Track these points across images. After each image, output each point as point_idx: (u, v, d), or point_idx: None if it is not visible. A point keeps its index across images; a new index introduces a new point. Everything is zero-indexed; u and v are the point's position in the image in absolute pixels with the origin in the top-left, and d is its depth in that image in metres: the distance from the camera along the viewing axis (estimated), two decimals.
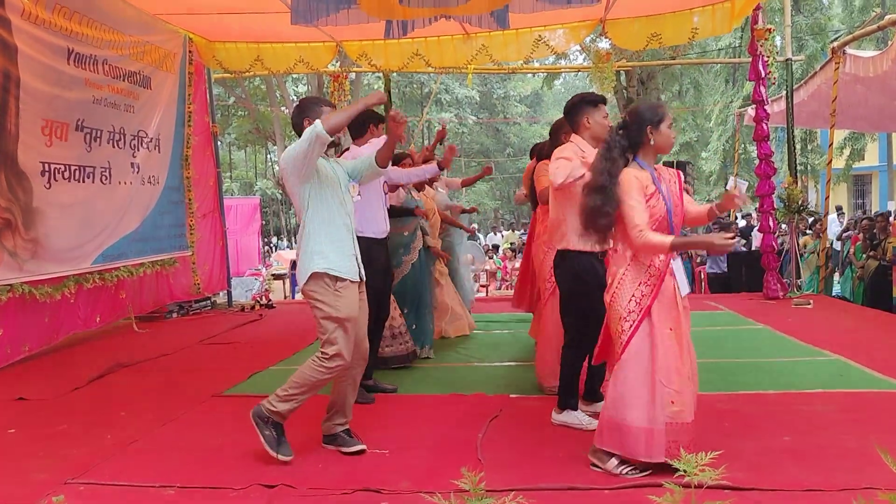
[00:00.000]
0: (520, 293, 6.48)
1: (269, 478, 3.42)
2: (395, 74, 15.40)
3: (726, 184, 17.64)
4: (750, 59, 9.17)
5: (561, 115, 4.61)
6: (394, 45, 9.37)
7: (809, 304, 8.42)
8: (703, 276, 12.19)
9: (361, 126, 5.00)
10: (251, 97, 26.92)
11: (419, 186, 6.30)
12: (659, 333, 3.27)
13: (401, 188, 5.80)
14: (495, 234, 26.66)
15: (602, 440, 3.40)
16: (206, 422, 4.50)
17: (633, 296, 3.33)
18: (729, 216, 15.36)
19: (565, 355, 4.17)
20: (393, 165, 5.50)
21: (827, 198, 10.30)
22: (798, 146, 16.36)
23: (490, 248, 19.47)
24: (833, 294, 10.87)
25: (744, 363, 5.62)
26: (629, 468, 3.31)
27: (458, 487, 2.49)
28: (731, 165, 17.53)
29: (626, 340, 3.30)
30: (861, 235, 11.02)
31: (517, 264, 12.49)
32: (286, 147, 3.74)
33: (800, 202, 9.49)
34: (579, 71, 17.09)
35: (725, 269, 11.63)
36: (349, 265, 3.72)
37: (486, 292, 14.47)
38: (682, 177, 3.58)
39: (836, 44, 9.74)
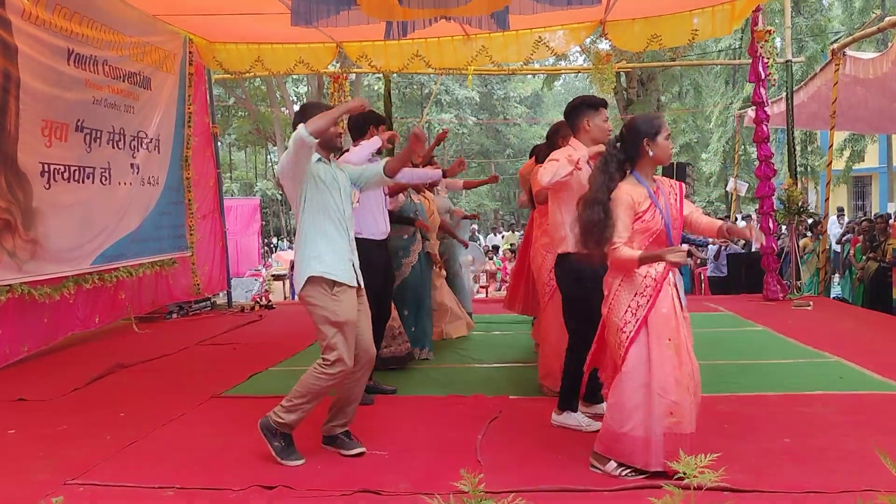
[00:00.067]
0: (512, 295, 6.49)
1: (269, 479, 3.41)
2: (395, 75, 15.39)
3: (726, 185, 17.62)
4: (750, 61, 9.18)
5: (560, 117, 4.60)
6: (394, 45, 9.38)
7: (809, 305, 8.42)
8: (703, 278, 12.19)
9: (362, 127, 5.01)
10: (251, 98, 26.95)
11: (418, 189, 6.30)
12: (656, 344, 3.26)
13: (400, 194, 5.81)
14: (495, 235, 26.65)
15: (601, 447, 3.41)
16: (206, 422, 4.50)
17: (629, 307, 3.32)
18: (728, 217, 15.38)
19: (569, 358, 4.16)
20: None
21: (827, 199, 10.30)
22: (798, 148, 16.35)
23: (490, 249, 19.48)
24: (832, 296, 10.87)
25: (743, 365, 5.62)
26: (628, 470, 3.31)
27: (457, 489, 2.49)
28: (731, 167, 17.54)
29: (625, 352, 3.30)
30: (861, 237, 11.03)
31: None
32: (286, 148, 3.73)
33: (800, 204, 9.49)
34: (579, 72, 17.11)
35: (725, 273, 11.64)
36: (346, 270, 3.71)
37: (486, 293, 14.48)
38: (684, 187, 3.58)
39: (836, 45, 9.75)
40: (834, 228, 16.57)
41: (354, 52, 9.64)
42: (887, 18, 8.35)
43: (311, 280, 3.65)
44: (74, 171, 7.07)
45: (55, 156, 6.78)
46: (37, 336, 6.61)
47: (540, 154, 5.32)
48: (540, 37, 9.04)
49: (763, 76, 8.94)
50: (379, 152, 5.20)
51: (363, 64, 9.76)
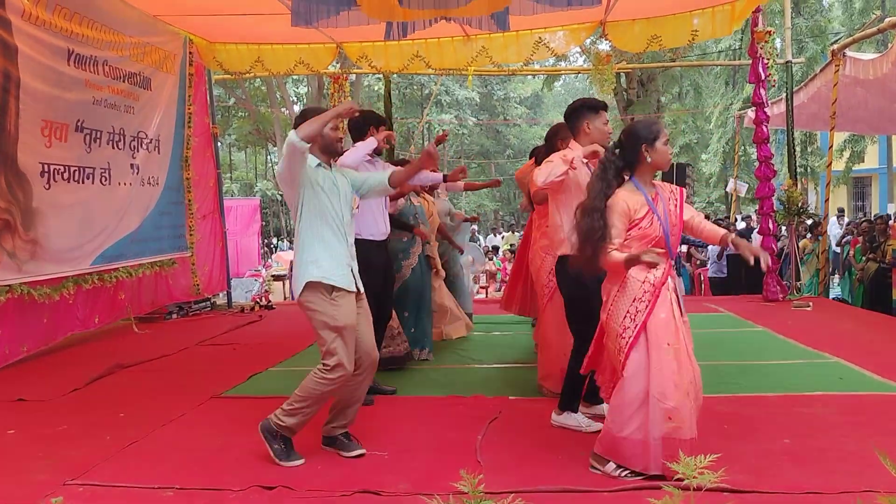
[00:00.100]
0: (509, 296, 6.51)
1: (269, 479, 3.41)
2: (395, 76, 15.41)
3: (726, 186, 17.63)
4: (750, 62, 9.18)
5: (560, 118, 4.60)
6: (394, 46, 9.38)
7: (809, 306, 8.42)
8: (703, 279, 12.19)
9: (362, 128, 5.01)
10: (251, 98, 26.95)
11: (418, 191, 6.33)
12: (655, 349, 3.26)
13: (400, 198, 5.83)
14: (495, 235, 26.65)
15: (601, 449, 3.41)
16: (206, 423, 4.50)
17: (627, 312, 3.32)
18: (728, 218, 15.38)
19: (572, 359, 4.14)
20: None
21: (827, 200, 10.30)
22: (798, 148, 16.35)
23: (490, 249, 19.48)
24: (831, 297, 10.87)
25: (743, 365, 5.62)
26: (628, 471, 3.30)
27: (456, 489, 2.49)
28: (731, 167, 17.54)
29: (625, 357, 3.30)
30: (861, 238, 11.03)
31: None
32: None
33: (799, 204, 9.49)
34: (579, 73, 17.11)
35: (726, 274, 11.64)
36: (344, 275, 3.70)
37: (486, 294, 14.48)
38: (685, 192, 3.58)
39: (836, 46, 9.75)
40: (834, 229, 16.58)
41: (354, 53, 9.64)
42: (887, 19, 8.34)
43: (310, 285, 3.64)
44: (74, 171, 7.07)
45: (55, 156, 6.78)
46: (36, 336, 6.61)
47: (539, 156, 5.33)
48: (540, 37, 9.05)
49: (763, 77, 8.94)
50: (379, 153, 5.21)
51: (363, 64, 9.77)
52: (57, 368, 6.22)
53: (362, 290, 3.82)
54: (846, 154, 22.81)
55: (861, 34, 9.66)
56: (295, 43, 9.46)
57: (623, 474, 3.30)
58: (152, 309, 8.68)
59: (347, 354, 3.61)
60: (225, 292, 10.32)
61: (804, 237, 11.82)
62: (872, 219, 12.64)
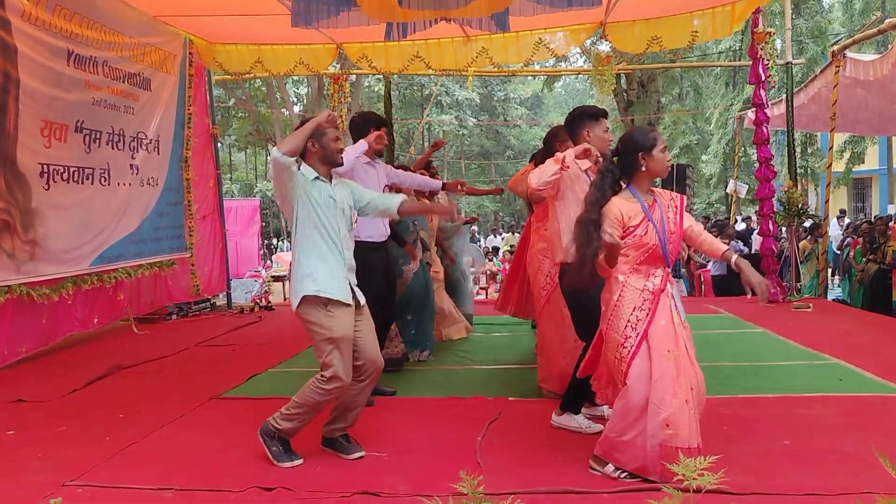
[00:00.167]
0: (505, 297, 6.52)
1: (268, 480, 3.41)
2: (395, 76, 15.40)
3: (726, 187, 17.62)
4: (750, 63, 9.19)
5: (560, 119, 4.61)
6: (394, 47, 9.38)
7: (809, 307, 8.42)
8: (703, 280, 12.18)
9: (362, 129, 5.00)
10: (251, 99, 26.94)
11: (418, 196, 6.36)
12: (656, 356, 3.26)
13: None
14: (495, 236, 26.65)
15: (601, 451, 3.41)
16: (205, 424, 4.49)
17: (628, 321, 3.32)
18: (729, 219, 15.38)
19: (580, 362, 4.12)
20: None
21: (827, 201, 10.29)
22: (798, 149, 16.34)
23: (490, 250, 19.49)
24: (830, 298, 10.86)
25: (743, 366, 5.62)
26: (627, 473, 3.30)
27: (456, 490, 2.49)
28: (731, 169, 17.54)
29: (627, 366, 3.29)
30: (861, 239, 11.03)
31: None
32: None
33: (800, 205, 9.49)
34: (579, 74, 17.11)
35: (727, 272, 11.63)
36: (341, 287, 3.69)
37: (486, 294, 14.48)
38: (685, 200, 3.57)
39: (836, 47, 9.75)
40: (834, 230, 16.59)
41: (355, 54, 9.64)
42: (888, 20, 8.34)
43: (305, 299, 3.65)
44: (74, 171, 7.07)
45: (54, 156, 6.78)
46: (35, 337, 6.60)
47: (539, 158, 5.34)
48: (540, 38, 9.05)
49: (763, 78, 8.95)
50: (379, 154, 5.22)
51: (363, 65, 9.77)
52: (56, 369, 6.21)
53: (362, 301, 3.81)
54: (846, 155, 22.81)
55: (861, 35, 9.65)
56: (295, 43, 9.46)
57: (622, 476, 3.30)
58: (151, 310, 8.67)
59: (344, 366, 3.61)
60: (225, 293, 10.32)
61: (804, 238, 11.81)
62: (872, 220, 12.64)
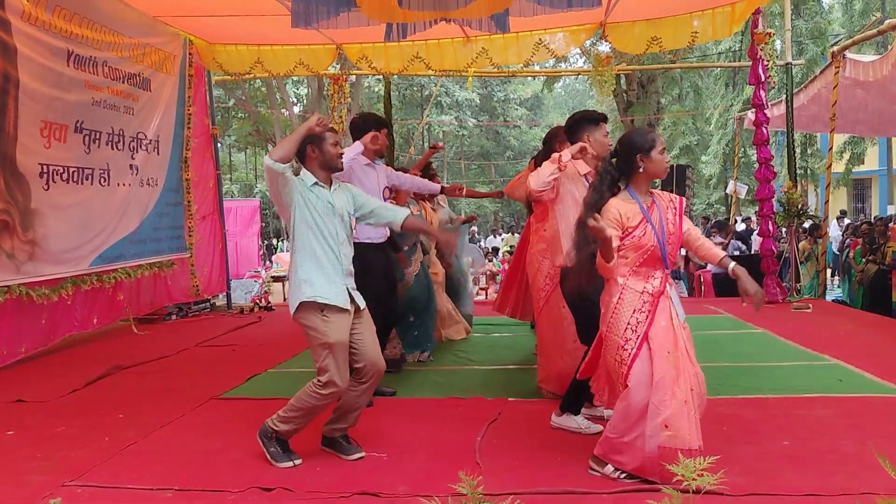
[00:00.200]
0: (503, 298, 6.52)
1: (267, 481, 3.41)
2: (395, 77, 15.40)
3: (726, 187, 17.62)
4: (750, 63, 9.18)
5: (560, 119, 4.62)
6: (394, 47, 9.38)
7: (809, 308, 8.42)
8: (702, 281, 12.18)
9: (363, 130, 5.01)
10: (251, 99, 26.95)
11: (418, 199, 6.38)
12: (657, 358, 3.25)
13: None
14: (495, 237, 26.66)
15: (601, 452, 3.41)
16: (205, 424, 4.49)
17: (628, 324, 3.31)
18: (728, 219, 15.39)
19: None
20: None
21: (826, 202, 10.29)
22: (798, 150, 16.35)
23: (490, 250, 19.50)
24: (828, 299, 10.86)
25: (743, 367, 5.62)
26: (627, 473, 3.30)
27: (455, 491, 2.49)
28: (731, 169, 17.54)
29: (628, 369, 3.28)
30: (861, 240, 11.03)
31: None
32: None
33: (799, 206, 9.49)
34: (579, 74, 17.12)
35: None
36: (337, 293, 3.68)
37: (486, 295, 14.48)
38: (684, 202, 3.57)
39: (836, 48, 9.76)
40: (834, 231, 16.60)
41: (354, 54, 9.64)
42: (887, 21, 8.34)
43: (302, 304, 3.66)
44: (73, 172, 7.07)
45: (54, 157, 6.78)
46: (34, 337, 6.60)
47: (538, 160, 5.36)
48: (540, 39, 9.05)
49: (763, 79, 8.94)
50: (380, 155, 5.22)
51: (363, 66, 9.77)
52: (56, 369, 6.21)
53: (361, 306, 3.80)
54: (846, 156, 22.82)
55: (861, 36, 9.66)
56: (295, 44, 9.46)
57: (622, 476, 3.30)
58: (151, 310, 8.67)
59: (339, 371, 3.61)
60: (224, 293, 10.32)
61: (804, 239, 11.82)
62: (872, 221, 12.64)
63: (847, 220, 18.80)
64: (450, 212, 7.57)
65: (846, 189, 27.02)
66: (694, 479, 2.37)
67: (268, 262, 19.31)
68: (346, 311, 3.70)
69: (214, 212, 10.06)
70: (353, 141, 5.06)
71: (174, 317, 9.05)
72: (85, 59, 7.21)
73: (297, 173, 3.73)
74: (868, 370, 5.29)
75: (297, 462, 3.66)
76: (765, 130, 9.12)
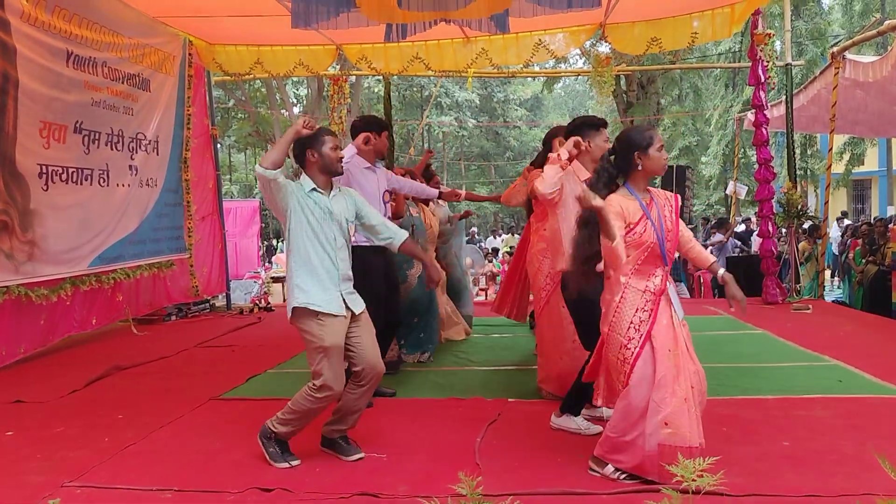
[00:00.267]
0: (502, 299, 6.53)
1: (267, 481, 3.41)
2: (394, 78, 15.40)
3: (726, 188, 17.62)
4: (750, 64, 9.18)
5: (560, 120, 4.62)
6: (393, 48, 9.38)
7: (808, 309, 8.42)
8: (702, 282, 12.19)
9: (363, 132, 5.01)
10: (251, 100, 26.93)
11: (416, 201, 6.39)
12: (659, 356, 3.26)
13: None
14: (495, 237, 26.65)
15: (601, 452, 3.41)
16: (204, 425, 4.49)
17: (631, 323, 3.31)
18: (728, 218, 15.38)
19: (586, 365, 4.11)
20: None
21: (826, 203, 10.29)
22: (798, 151, 16.37)
23: (489, 251, 19.50)
24: (830, 299, 10.87)
25: (742, 368, 5.62)
26: (626, 474, 3.30)
27: (455, 492, 2.48)
28: (731, 170, 17.54)
29: (630, 368, 3.28)
30: (861, 241, 11.03)
31: None
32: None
33: (799, 207, 9.49)
34: (579, 75, 17.12)
35: (724, 266, 11.63)
36: (331, 300, 3.68)
37: (486, 296, 14.47)
38: (680, 201, 3.57)
39: (835, 49, 9.76)
40: (834, 232, 16.61)
41: (354, 55, 9.64)
42: (887, 22, 8.34)
43: (296, 309, 3.67)
44: (73, 172, 7.07)
45: (53, 157, 6.77)
46: (33, 337, 6.60)
47: (538, 161, 5.39)
48: (540, 39, 9.05)
49: (763, 79, 8.94)
50: (381, 157, 5.23)
51: (363, 66, 9.77)
52: (55, 370, 6.21)
53: (358, 309, 3.79)
54: (846, 157, 22.83)
55: (861, 37, 9.67)
56: (294, 44, 9.46)
57: (622, 477, 3.30)
58: (150, 310, 8.67)
59: (334, 375, 3.61)
60: (224, 294, 10.32)
61: (803, 240, 11.82)
62: (871, 222, 12.64)
63: (847, 221, 18.80)
64: (448, 211, 7.58)
65: (846, 190, 27.03)
66: (693, 480, 2.37)
67: (267, 263, 19.29)
68: (342, 315, 3.70)
69: (214, 212, 10.05)
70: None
71: (174, 317, 9.05)
72: (84, 59, 7.20)
73: (297, 175, 3.73)
74: (868, 371, 5.29)
75: (296, 463, 3.66)
76: (764, 131, 9.12)
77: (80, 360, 6.61)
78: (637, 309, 3.31)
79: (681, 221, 3.54)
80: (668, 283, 3.40)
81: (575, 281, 3.54)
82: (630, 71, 15.61)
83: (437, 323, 6.48)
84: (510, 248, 19.53)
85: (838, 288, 14.72)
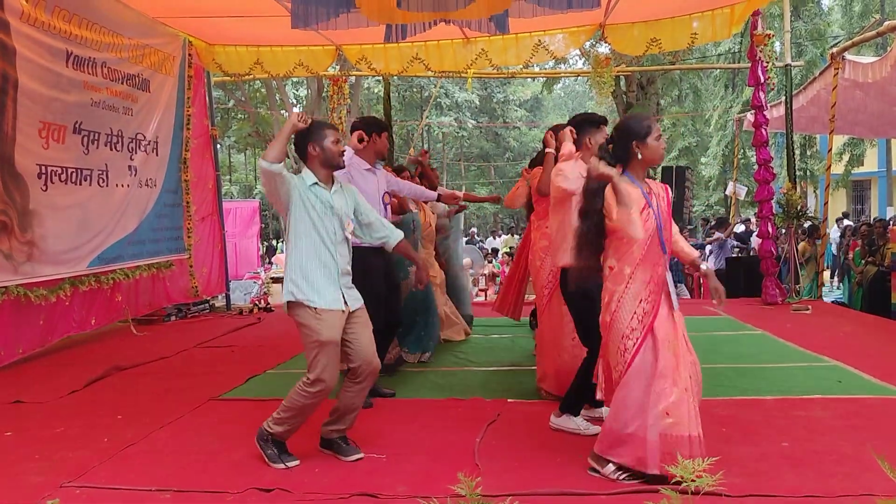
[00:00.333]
0: (503, 298, 6.54)
1: (266, 482, 3.41)
2: (394, 78, 15.40)
3: (725, 189, 17.62)
4: (749, 65, 9.18)
5: (560, 120, 4.62)
6: (393, 48, 9.38)
7: (808, 309, 8.42)
8: (701, 282, 12.19)
9: (364, 133, 5.01)
10: (251, 100, 26.92)
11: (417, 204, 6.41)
12: (661, 347, 3.26)
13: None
14: (494, 238, 26.65)
15: (601, 448, 3.40)
16: (204, 425, 4.49)
17: (634, 313, 3.31)
18: (728, 219, 15.39)
19: (586, 366, 4.10)
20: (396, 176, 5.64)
21: (826, 203, 10.30)
22: (797, 151, 16.37)
23: (489, 251, 19.49)
24: (830, 300, 10.86)
25: (742, 368, 5.62)
26: (626, 474, 3.30)
27: (454, 492, 2.48)
28: (731, 170, 17.55)
29: (631, 358, 3.28)
30: (860, 241, 11.03)
31: None
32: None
33: (798, 208, 9.50)
34: (579, 76, 17.12)
35: (723, 265, 11.64)
36: (327, 294, 3.68)
37: (486, 296, 14.47)
38: (671, 191, 3.59)
39: (835, 49, 9.76)
40: (835, 234, 16.62)
41: (354, 55, 9.65)
42: (887, 23, 8.35)
43: (291, 303, 3.68)
44: (72, 172, 7.07)
45: (53, 157, 6.77)
46: (32, 338, 6.59)
47: (536, 159, 5.39)
48: (539, 40, 9.05)
49: (762, 80, 8.95)
50: (382, 157, 5.24)
51: (363, 67, 9.77)
52: (55, 370, 6.20)
53: (355, 305, 3.79)
54: (845, 157, 22.84)
55: (860, 37, 9.68)
56: (294, 45, 9.46)
57: (622, 477, 3.30)
58: (149, 311, 8.66)
59: (329, 370, 3.61)
60: (224, 294, 10.31)
61: (803, 240, 11.82)
62: (871, 222, 12.64)
63: (847, 222, 18.79)
64: (445, 207, 7.60)
65: (845, 190, 27.04)
66: (693, 481, 2.37)
67: (267, 264, 19.28)
68: (340, 310, 3.70)
69: (214, 213, 10.05)
70: None
71: (173, 318, 9.04)
72: (84, 59, 7.20)
73: (297, 171, 3.74)
74: (867, 371, 5.29)
75: (294, 464, 3.65)
76: (764, 132, 9.13)
77: (79, 360, 6.61)
78: (641, 300, 3.32)
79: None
80: (666, 273, 3.41)
81: (575, 274, 3.54)
82: (630, 72, 15.61)
83: (437, 321, 6.48)
84: (510, 248, 19.54)
85: (838, 289, 14.73)
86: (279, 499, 3.26)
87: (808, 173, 23.59)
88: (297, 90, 30.56)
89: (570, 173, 3.97)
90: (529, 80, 36.12)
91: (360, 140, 4.94)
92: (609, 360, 3.44)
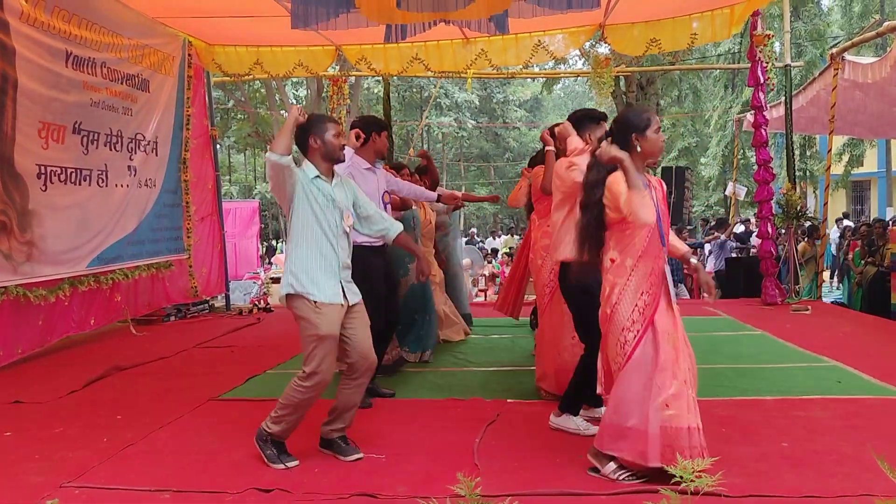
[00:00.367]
0: (504, 298, 6.54)
1: (265, 482, 3.41)
2: (394, 78, 15.42)
3: (725, 189, 17.64)
4: (749, 65, 9.18)
5: (559, 120, 4.62)
6: (393, 49, 9.38)
7: (808, 310, 8.42)
8: None
9: (364, 132, 5.01)
10: (250, 100, 26.94)
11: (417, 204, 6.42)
12: (661, 340, 3.26)
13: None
14: (494, 238, 26.66)
15: (601, 443, 3.40)
16: (203, 425, 4.48)
17: (636, 305, 3.31)
18: (728, 219, 15.40)
19: (581, 365, 4.11)
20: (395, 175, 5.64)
21: (825, 204, 10.30)
22: (797, 152, 16.36)
23: (489, 252, 19.49)
24: (829, 300, 10.86)
25: (742, 368, 5.62)
26: (626, 474, 3.30)
27: (454, 492, 2.48)
28: (730, 171, 17.56)
29: (631, 350, 3.29)
30: (860, 242, 11.03)
31: None
32: None
33: (798, 208, 9.50)
34: (578, 76, 17.11)
35: (723, 266, 11.64)
36: (327, 287, 3.68)
37: (485, 297, 14.47)
38: (666, 186, 3.61)
39: (835, 50, 9.77)
40: (835, 234, 16.62)
41: (354, 55, 9.65)
42: (886, 23, 8.36)
43: (289, 295, 3.68)
44: (71, 173, 7.06)
45: (52, 158, 6.77)
46: (31, 338, 6.59)
47: (536, 158, 5.39)
48: (539, 40, 9.05)
49: (762, 80, 8.95)
50: (382, 157, 5.23)
51: (362, 67, 9.77)
52: (54, 371, 6.20)
53: (354, 300, 3.79)
54: (845, 158, 22.85)
55: (860, 38, 9.69)
56: (294, 45, 9.46)
57: (622, 476, 3.29)
58: (149, 311, 8.66)
59: (326, 363, 3.61)
60: (223, 294, 10.31)
61: (802, 241, 11.83)
62: (871, 223, 12.64)
63: (847, 222, 18.80)
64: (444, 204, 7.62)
65: (845, 191, 27.05)
66: (692, 481, 2.37)
67: (267, 264, 19.29)
68: (339, 304, 3.70)
69: (213, 213, 10.05)
70: None
71: (173, 318, 9.04)
72: (83, 60, 7.20)
73: (297, 164, 3.73)
74: (867, 372, 5.29)
75: (293, 464, 3.65)
76: (764, 132, 9.13)
77: (78, 360, 6.60)
78: (642, 292, 3.32)
79: None
80: (665, 266, 3.41)
81: (576, 268, 3.53)
82: (629, 72, 15.63)
83: (436, 319, 6.47)
84: (509, 249, 19.55)
85: (837, 289, 14.73)
86: (279, 499, 3.25)
87: (807, 174, 23.61)
88: (296, 90, 30.58)
89: (584, 166, 3.97)
90: (529, 80, 36.16)
91: (358, 138, 4.95)
92: (608, 354, 3.44)
